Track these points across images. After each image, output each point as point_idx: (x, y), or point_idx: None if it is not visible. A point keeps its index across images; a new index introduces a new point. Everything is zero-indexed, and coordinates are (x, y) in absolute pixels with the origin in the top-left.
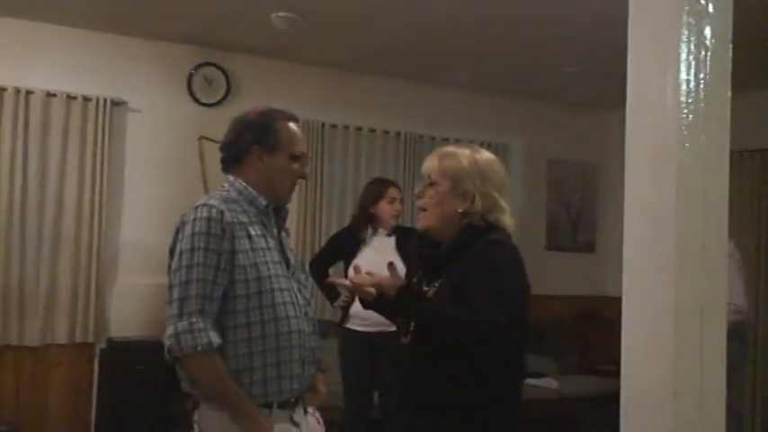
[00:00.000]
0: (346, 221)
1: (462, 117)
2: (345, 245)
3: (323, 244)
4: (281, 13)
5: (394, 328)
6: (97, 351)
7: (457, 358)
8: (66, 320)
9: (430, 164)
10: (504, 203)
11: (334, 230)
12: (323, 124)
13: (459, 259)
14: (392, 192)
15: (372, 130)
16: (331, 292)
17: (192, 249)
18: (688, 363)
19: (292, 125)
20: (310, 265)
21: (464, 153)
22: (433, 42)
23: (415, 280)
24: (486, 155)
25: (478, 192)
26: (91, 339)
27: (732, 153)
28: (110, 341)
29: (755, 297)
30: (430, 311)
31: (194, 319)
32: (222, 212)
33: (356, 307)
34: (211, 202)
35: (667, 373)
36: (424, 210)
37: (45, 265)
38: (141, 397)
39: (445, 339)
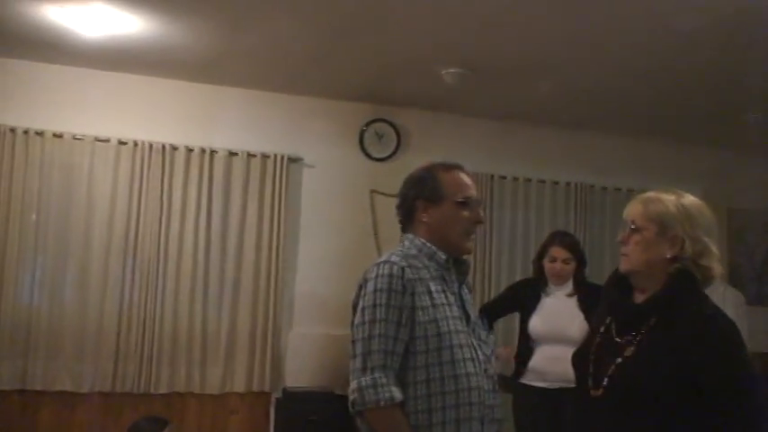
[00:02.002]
0: (516, 274)
1: (634, 165)
2: (524, 295)
3: (492, 296)
4: (451, 69)
5: (573, 385)
6: (273, 400)
7: (655, 415)
8: (244, 369)
9: (633, 209)
10: (714, 249)
11: (504, 284)
12: (492, 176)
13: (665, 314)
14: (553, 251)
15: (541, 181)
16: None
17: (375, 305)
18: None
19: (456, 173)
20: (481, 311)
21: (669, 198)
22: (601, 91)
23: (603, 329)
24: (692, 199)
25: (688, 237)
26: (267, 388)
27: None
28: (285, 391)
29: None
30: None
31: (377, 375)
32: (403, 269)
33: (534, 361)
34: (393, 258)
35: None
36: (625, 254)
37: (226, 314)
38: None
39: None
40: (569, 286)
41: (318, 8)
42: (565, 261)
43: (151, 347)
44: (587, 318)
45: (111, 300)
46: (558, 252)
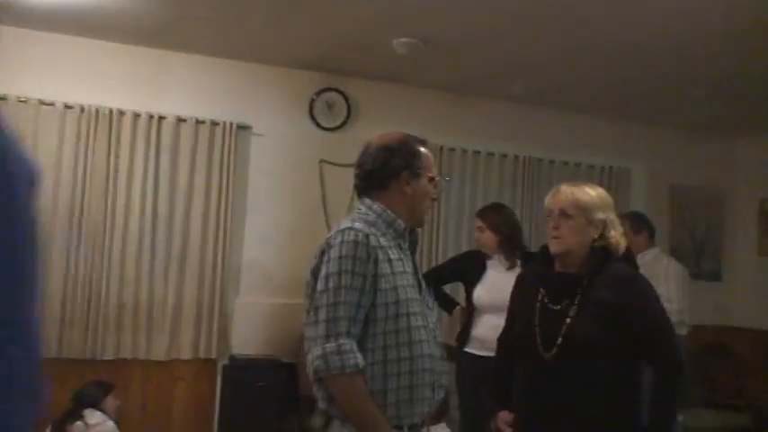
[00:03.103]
0: (462, 246)
1: (581, 141)
2: (470, 266)
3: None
4: (402, 39)
5: None
6: (219, 367)
7: (605, 375)
8: (190, 336)
9: (562, 198)
10: (619, 227)
11: (450, 255)
12: (441, 147)
13: (594, 280)
14: (476, 222)
15: (490, 154)
16: (448, 303)
17: (339, 272)
18: None
19: (428, 149)
20: (425, 277)
21: (587, 189)
22: (549, 65)
23: (538, 302)
24: (599, 188)
25: (608, 220)
26: (214, 356)
27: None
28: (232, 358)
29: None
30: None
31: (342, 341)
32: (368, 236)
33: (476, 330)
34: (357, 225)
35: None
36: (558, 237)
37: (172, 283)
38: (260, 412)
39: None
40: (512, 259)
41: None
42: (480, 230)
43: (97, 314)
44: None
45: (57, 266)
46: (476, 222)
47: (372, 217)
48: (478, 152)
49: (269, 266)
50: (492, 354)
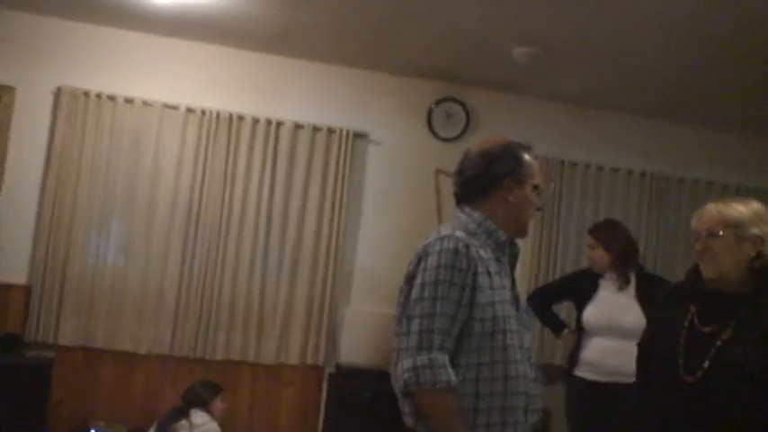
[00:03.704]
0: (583, 263)
1: (715, 158)
2: (581, 285)
3: None
4: (522, 48)
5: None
6: (326, 375)
7: (755, 407)
8: (299, 342)
9: (707, 217)
10: None
11: (568, 271)
12: (562, 161)
13: (756, 302)
14: (588, 239)
15: (615, 170)
16: (555, 325)
17: (437, 282)
18: None
19: (532, 156)
20: (533, 295)
21: (736, 204)
22: (680, 75)
23: (690, 318)
24: (755, 203)
25: (765, 235)
26: (321, 363)
27: None
28: (338, 366)
29: None
30: None
31: (434, 355)
32: (468, 246)
33: (586, 353)
34: (458, 234)
35: None
36: (712, 260)
37: (284, 286)
38: (365, 423)
39: None
40: (624, 278)
41: None
42: (591, 247)
43: (209, 314)
44: (644, 309)
45: (173, 265)
46: (588, 239)
47: (473, 226)
48: (602, 167)
49: (381, 275)
50: (603, 378)
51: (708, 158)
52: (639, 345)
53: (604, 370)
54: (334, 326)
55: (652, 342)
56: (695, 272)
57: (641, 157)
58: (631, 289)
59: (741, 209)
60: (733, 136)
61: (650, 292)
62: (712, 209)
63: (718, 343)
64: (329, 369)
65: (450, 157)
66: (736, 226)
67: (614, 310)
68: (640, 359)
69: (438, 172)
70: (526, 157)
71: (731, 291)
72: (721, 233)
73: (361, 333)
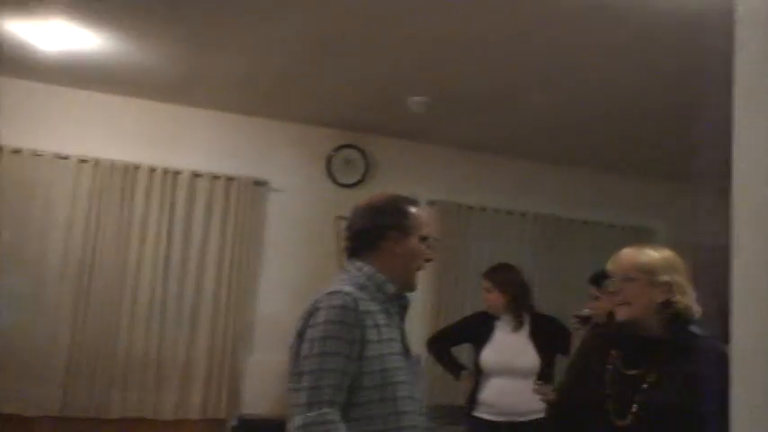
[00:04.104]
0: (481, 306)
1: (602, 199)
2: (477, 327)
3: None
4: (417, 98)
5: (525, 419)
6: (229, 428)
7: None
8: (200, 395)
9: (622, 262)
10: (691, 291)
11: (468, 313)
12: (459, 205)
13: (676, 346)
14: (483, 282)
15: (509, 212)
16: (455, 367)
17: (325, 338)
18: None
19: (420, 209)
20: (432, 339)
21: (650, 250)
22: (567, 125)
23: (612, 362)
24: (666, 250)
25: (674, 282)
26: (223, 415)
27: None
28: (241, 418)
29: None
30: None
31: (325, 410)
32: (356, 300)
33: (484, 393)
34: (346, 289)
35: None
36: (624, 303)
37: (183, 339)
38: None
39: None
40: (518, 320)
41: (287, 35)
42: (487, 290)
43: (103, 370)
44: (539, 349)
45: (64, 320)
46: (483, 282)
47: (362, 279)
48: (497, 210)
49: (283, 323)
50: (500, 418)
51: (596, 200)
52: (558, 395)
53: (502, 410)
54: (236, 377)
55: (574, 390)
56: (613, 317)
57: (534, 199)
58: (526, 329)
59: (654, 255)
60: (618, 178)
61: (543, 332)
62: (627, 254)
63: (645, 386)
64: (232, 422)
65: (351, 203)
66: (648, 272)
67: (510, 351)
68: (559, 409)
69: (338, 218)
70: (412, 209)
71: (650, 335)
72: (634, 278)
73: (264, 383)
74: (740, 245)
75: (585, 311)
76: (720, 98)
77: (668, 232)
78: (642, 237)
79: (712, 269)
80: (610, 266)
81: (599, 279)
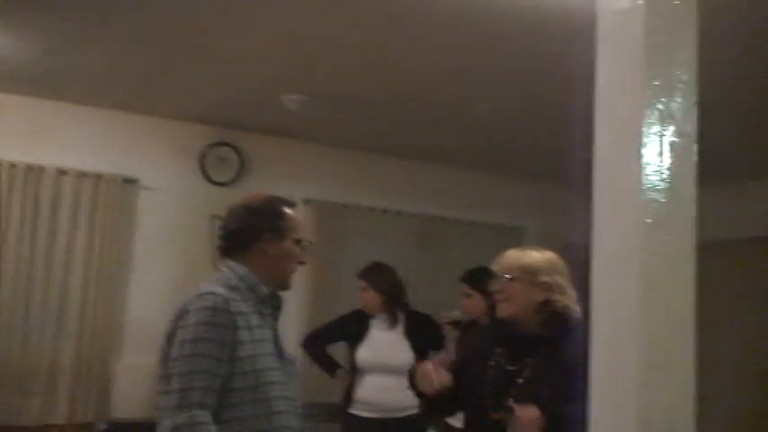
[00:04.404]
0: (356, 303)
1: (475, 199)
2: (353, 325)
3: None
4: (292, 96)
5: (402, 414)
6: None
7: (556, 427)
8: (67, 399)
9: (507, 262)
10: (571, 292)
11: (344, 312)
12: (334, 204)
13: (555, 343)
14: (358, 282)
15: (384, 211)
16: (330, 365)
17: (196, 339)
18: None
19: (296, 211)
20: (308, 338)
21: (534, 252)
22: (438, 125)
23: (495, 359)
24: (549, 253)
25: (554, 283)
26: (91, 419)
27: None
28: (110, 422)
29: None
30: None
31: (195, 412)
32: (228, 301)
33: (360, 391)
34: (217, 290)
35: None
36: (506, 300)
37: (48, 341)
38: None
39: None
40: (393, 318)
41: (156, 29)
42: (363, 290)
43: None
44: (413, 347)
45: None
46: (359, 282)
47: (234, 280)
48: (373, 209)
49: (154, 325)
50: (376, 415)
51: (469, 199)
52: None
53: (378, 407)
54: (105, 379)
55: (456, 384)
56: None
57: (409, 198)
58: (401, 327)
59: (537, 257)
60: (490, 177)
61: (418, 330)
62: (511, 255)
63: (520, 380)
64: (101, 425)
65: (225, 202)
66: (530, 273)
67: (385, 349)
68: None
69: (212, 217)
70: (288, 211)
71: (532, 332)
72: (516, 277)
73: (134, 386)
74: (599, 244)
75: (455, 314)
76: (589, 100)
77: (538, 231)
78: (513, 235)
79: (579, 267)
80: (495, 266)
81: (471, 277)
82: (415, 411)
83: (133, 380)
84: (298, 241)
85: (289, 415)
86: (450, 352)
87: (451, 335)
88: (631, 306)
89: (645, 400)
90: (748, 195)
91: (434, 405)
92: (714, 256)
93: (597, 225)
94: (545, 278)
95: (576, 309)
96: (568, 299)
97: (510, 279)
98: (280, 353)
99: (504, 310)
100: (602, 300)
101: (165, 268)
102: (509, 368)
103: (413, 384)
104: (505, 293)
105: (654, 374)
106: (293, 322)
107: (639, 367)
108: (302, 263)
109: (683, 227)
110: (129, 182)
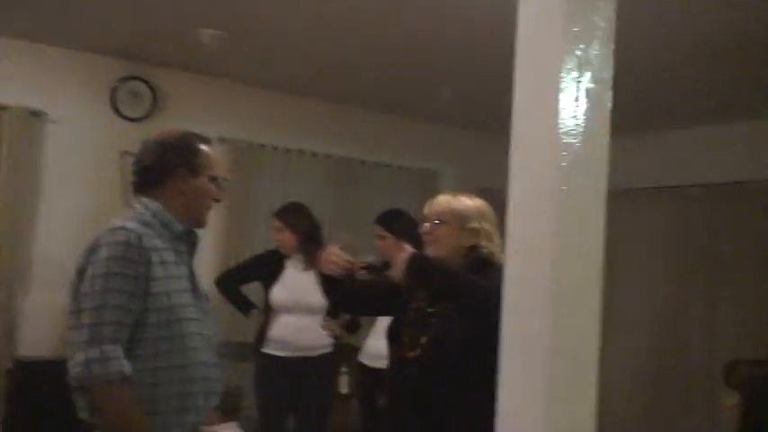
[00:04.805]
0: (272, 244)
1: (392, 142)
2: (268, 265)
3: None
4: (208, 30)
5: (315, 353)
6: (3, 371)
7: (469, 369)
8: None
9: (438, 207)
10: (498, 239)
11: (259, 252)
12: (250, 144)
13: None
14: (274, 222)
15: (301, 152)
16: (244, 305)
17: (107, 274)
18: (559, 405)
19: (211, 148)
20: (221, 277)
21: (464, 198)
22: (358, 66)
23: (416, 301)
24: (478, 200)
25: (482, 229)
26: None
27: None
28: (18, 361)
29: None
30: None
31: (107, 347)
32: (140, 237)
33: (274, 331)
34: (129, 225)
35: (540, 416)
36: (434, 242)
37: None
38: (51, 416)
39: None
40: (308, 259)
41: None
42: (278, 230)
43: None
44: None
45: None
46: (275, 222)
47: (148, 216)
48: (289, 150)
49: (63, 262)
50: (291, 354)
51: (386, 143)
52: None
53: (292, 346)
54: (12, 317)
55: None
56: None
57: (326, 140)
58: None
59: (467, 203)
60: (407, 121)
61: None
62: (443, 199)
63: (434, 320)
64: (7, 365)
65: (137, 138)
66: (460, 217)
67: (301, 289)
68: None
69: (124, 153)
70: (203, 147)
71: None
72: (446, 221)
73: (43, 323)
74: (515, 186)
75: (368, 259)
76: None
77: (454, 175)
78: (430, 180)
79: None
80: (426, 210)
81: (386, 219)
82: (328, 350)
83: (41, 317)
84: (213, 178)
85: (204, 351)
86: None
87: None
88: (544, 246)
89: (553, 332)
90: (659, 144)
91: (339, 292)
92: (624, 202)
93: (513, 168)
94: (474, 224)
95: (501, 257)
96: (495, 246)
97: (440, 223)
98: (195, 290)
99: (431, 253)
100: (516, 240)
101: (74, 204)
102: (428, 310)
103: (323, 276)
104: (434, 236)
105: (563, 309)
106: (207, 262)
107: (550, 302)
108: (217, 200)
109: (596, 171)
110: (36, 115)
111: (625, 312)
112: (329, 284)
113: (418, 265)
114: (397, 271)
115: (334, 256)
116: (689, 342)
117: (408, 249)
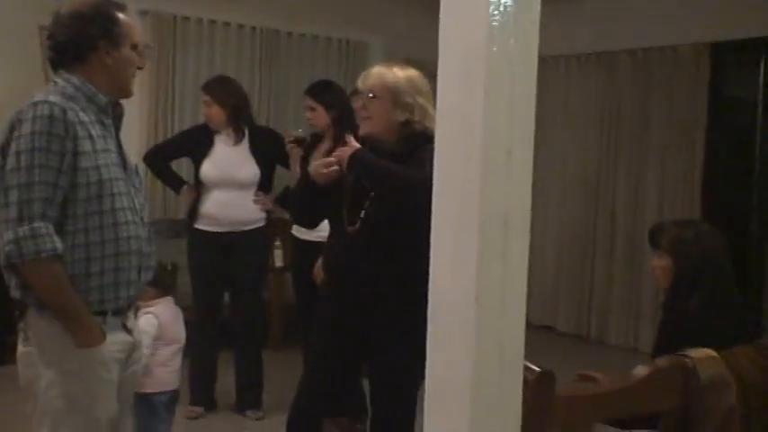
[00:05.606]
0: (200, 120)
1: (319, 12)
2: (196, 141)
3: None
4: None
5: (247, 227)
6: None
7: (405, 237)
8: None
9: (371, 81)
10: (432, 112)
11: (187, 127)
12: (175, 17)
13: (407, 160)
14: (202, 96)
15: (226, 24)
16: (174, 181)
17: (33, 150)
18: (490, 270)
19: (129, 15)
20: (149, 154)
21: (398, 71)
22: None
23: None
24: (413, 71)
25: (416, 104)
26: None
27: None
28: None
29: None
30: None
31: (36, 224)
32: (65, 111)
33: (205, 206)
34: (52, 98)
35: (470, 281)
36: (368, 118)
37: None
38: None
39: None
40: (238, 133)
41: None
42: (207, 104)
43: None
44: (258, 161)
45: None
46: (203, 96)
47: (71, 90)
48: (214, 22)
49: None
50: (222, 229)
51: (313, 13)
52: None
53: (223, 221)
54: None
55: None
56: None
57: (251, 11)
58: (245, 143)
59: (400, 76)
60: None
61: (263, 144)
62: (376, 72)
63: (372, 194)
64: None
65: (53, 10)
66: (392, 92)
67: (231, 164)
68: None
69: (42, 29)
70: (121, 16)
71: (389, 149)
72: (379, 96)
73: None
74: (444, 50)
75: (299, 132)
76: None
77: (383, 46)
78: (358, 51)
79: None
80: (359, 83)
81: (315, 90)
82: (260, 224)
83: None
84: (134, 46)
85: (135, 225)
86: (295, 170)
87: (295, 153)
88: (477, 109)
89: (485, 200)
90: (588, 10)
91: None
92: (554, 69)
93: (443, 31)
94: (407, 99)
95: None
96: (429, 120)
97: (373, 97)
98: (124, 164)
99: (365, 128)
100: (446, 103)
101: None
102: (365, 184)
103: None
104: (368, 111)
105: (495, 173)
106: (135, 138)
107: (479, 167)
108: (140, 68)
109: (527, 30)
110: None
111: (553, 181)
112: (312, 196)
113: (359, 163)
114: (342, 165)
115: (326, 167)
116: (615, 210)
117: (353, 145)
